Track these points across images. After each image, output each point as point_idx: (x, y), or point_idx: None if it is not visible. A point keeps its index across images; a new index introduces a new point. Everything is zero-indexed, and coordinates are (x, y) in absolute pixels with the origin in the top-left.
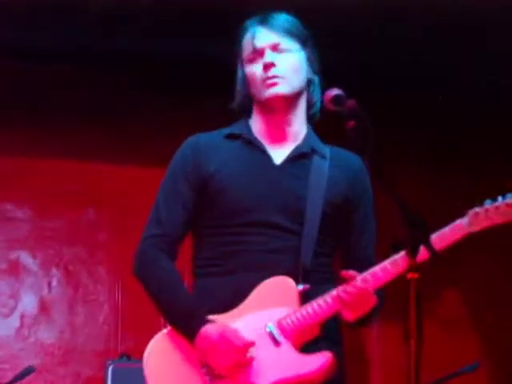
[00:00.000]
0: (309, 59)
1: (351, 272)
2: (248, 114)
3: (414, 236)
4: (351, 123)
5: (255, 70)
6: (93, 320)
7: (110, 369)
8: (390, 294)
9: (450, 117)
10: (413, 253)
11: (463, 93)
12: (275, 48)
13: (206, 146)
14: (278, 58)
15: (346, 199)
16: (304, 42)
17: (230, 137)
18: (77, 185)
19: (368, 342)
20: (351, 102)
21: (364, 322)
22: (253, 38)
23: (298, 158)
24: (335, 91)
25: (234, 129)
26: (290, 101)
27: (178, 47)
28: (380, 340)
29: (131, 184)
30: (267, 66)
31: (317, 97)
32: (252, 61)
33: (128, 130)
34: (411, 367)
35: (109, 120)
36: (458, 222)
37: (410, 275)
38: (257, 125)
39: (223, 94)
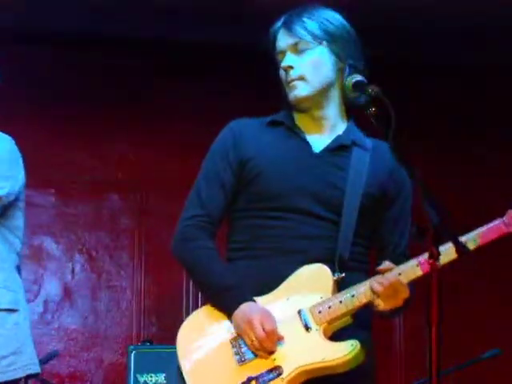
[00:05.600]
0: (334, 51)
1: (388, 264)
2: (290, 105)
3: (438, 224)
4: (373, 109)
5: (281, 72)
6: (115, 305)
7: (133, 354)
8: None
9: None
10: (435, 241)
11: None
12: (295, 49)
13: (247, 130)
14: (298, 60)
15: (385, 192)
16: (329, 36)
17: (272, 123)
18: (100, 171)
19: (391, 330)
20: (373, 88)
21: (395, 313)
22: (275, 40)
23: (338, 148)
24: (356, 77)
25: (277, 117)
26: (316, 99)
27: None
28: (403, 327)
29: (154, 170)
30: (286, 70)
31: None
32: (279, 63)
33: (151, 116)
34: (432, 353)
35: (133, 107)
36: (497, 221)
37: (431, 263)
38: (297, 116)
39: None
